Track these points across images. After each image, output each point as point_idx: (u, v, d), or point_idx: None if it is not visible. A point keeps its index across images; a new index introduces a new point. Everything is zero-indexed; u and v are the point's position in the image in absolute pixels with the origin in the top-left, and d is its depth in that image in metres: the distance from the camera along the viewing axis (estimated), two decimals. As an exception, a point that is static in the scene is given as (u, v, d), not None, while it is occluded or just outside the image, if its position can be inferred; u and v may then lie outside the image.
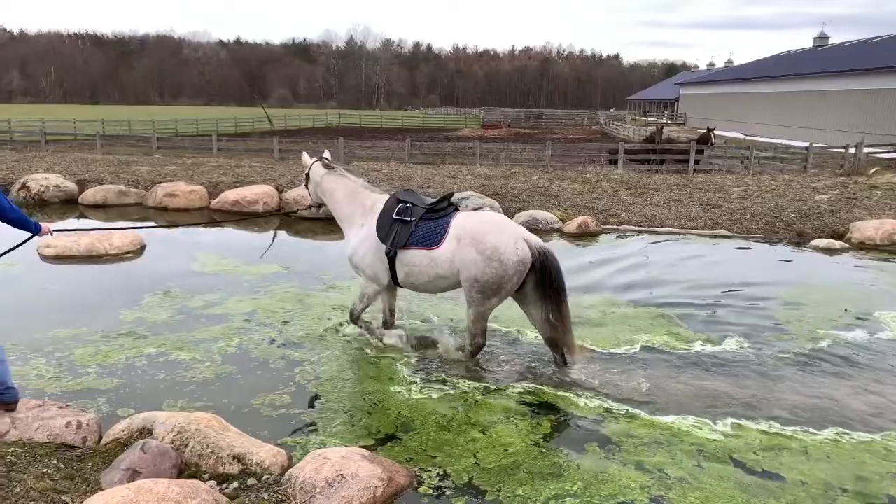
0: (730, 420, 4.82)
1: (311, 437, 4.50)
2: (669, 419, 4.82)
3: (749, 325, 6.94)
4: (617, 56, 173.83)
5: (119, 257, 9.39)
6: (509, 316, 6.82)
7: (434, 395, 5.14)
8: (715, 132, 24.84)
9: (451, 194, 6.20)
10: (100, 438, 4.16)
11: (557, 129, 63.48)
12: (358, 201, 6.22)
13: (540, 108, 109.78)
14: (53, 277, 8.42)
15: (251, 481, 3.70)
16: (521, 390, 5.28)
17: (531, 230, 11.26)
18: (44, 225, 4.75)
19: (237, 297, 7.60)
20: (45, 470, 3.60)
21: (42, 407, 4.30)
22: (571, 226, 11.85)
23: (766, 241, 11.32)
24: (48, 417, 4.13)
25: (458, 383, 5.41)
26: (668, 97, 79.06)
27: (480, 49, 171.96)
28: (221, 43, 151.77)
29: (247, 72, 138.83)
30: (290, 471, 3.76)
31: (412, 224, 5.71)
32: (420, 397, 5.11)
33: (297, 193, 13.65)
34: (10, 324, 6.57)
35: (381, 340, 6.25)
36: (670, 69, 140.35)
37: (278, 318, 6.93)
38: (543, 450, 4.36)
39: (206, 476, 3.75)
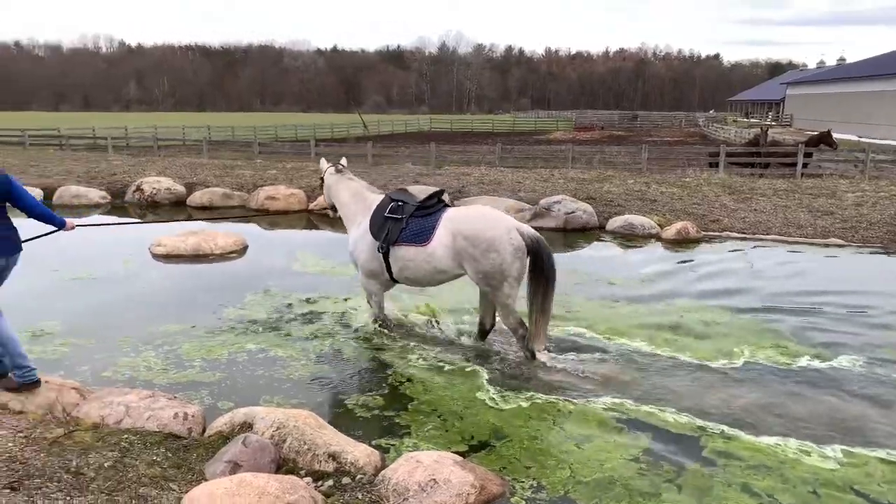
0: (840, 446, 4.43)
1: (404, 439, 4.52)
2: (772, 441, 4.50)
3: (864, 341, 6.44)
4: (717, 56, 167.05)
5: (223, 256, 9.82)
6: (599, 328, 6.65)
7: (524, 405, 5.04)
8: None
9: (442, 191, 6.40)
10: (204, 430, 4.33)
11: (653, 131, 61.68)
12: (360, 201, 6.63)
13: (634, 110, 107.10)
14: (164, 275, 8.89)
15: (345, 480, 3.74)
16: (606, 405, 5.07)
17: (627, 236, 11.06)
18: (67, 220, 5.09)
19: (333, 297, 7.77)
20: (154, 458, 3.77)
21: (153, 398, 4.52)
22: (670, 232, 11.43)
23: (886, 252, 10.52)
24: (158, 408, 4.34)
25: (538, 393, 5.27)
26: (773, 98, 75.30)
27: (573, 51, 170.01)
28: (319, 51, 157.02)
29: (343, 79, 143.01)
30: (383, 472, 3.78)
31: (403, 221, 6.01)
32: (510, 406, 5.02)
33: (390, 197, 13.86)
34: (125, 318, 7.00)
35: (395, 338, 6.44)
36: (775, 68, 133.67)
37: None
38: (641, 466, 4.18)
39: (302, 472, 3.82)
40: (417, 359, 5.96)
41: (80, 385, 4.84)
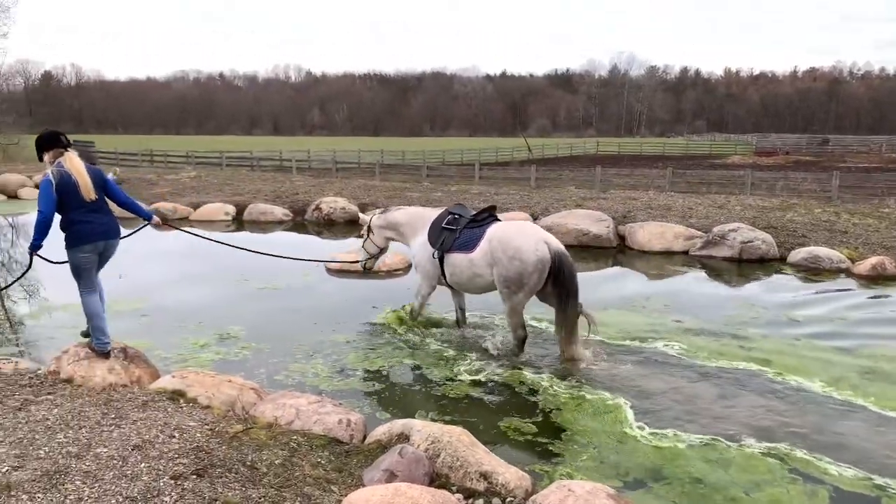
0: None
1: (557, 467, 4.43)
2: None
3: None
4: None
5: (390, 273, 10.29)
6: (774, 365, 6.13)
7: (680, 445, 4.75)
8: None
9: (494, 207, 7.13)
10: (364, 437, 4.53)
11: (847, 156, 56.08)
12: (418, 218, 7.38)
13: (825, 133, 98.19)
14: (336, 288, 9.48)
15: (495, 501, 3.73)
16: (773, 450, 4.66)
17: (812, 269, 10.17)
18: (155, 217, 5.88)
19: (492, 318, 7.83)
20: (318, 460, 4.00)
21: (320, 403, 4.81)
22: (863, 266, 10.32)
23: None
24: (324, 413, 4.61)
25: (692, 434, 4.94)
26: None
27: (756, 71, 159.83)
28: (488, 77, 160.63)
29: (510, 104, 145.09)
30: (533, 497, 3.73)
31: (457, 232, 6.77)
32: (666, 445, 4.75)
33: (550, 221, 13.79)
34: (300, 326, 7.56)
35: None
36: None
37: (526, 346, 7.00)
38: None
39: (453, 488, 3.87)
40: (564, 388, 5.83)
41: (258, 386, 5.27)
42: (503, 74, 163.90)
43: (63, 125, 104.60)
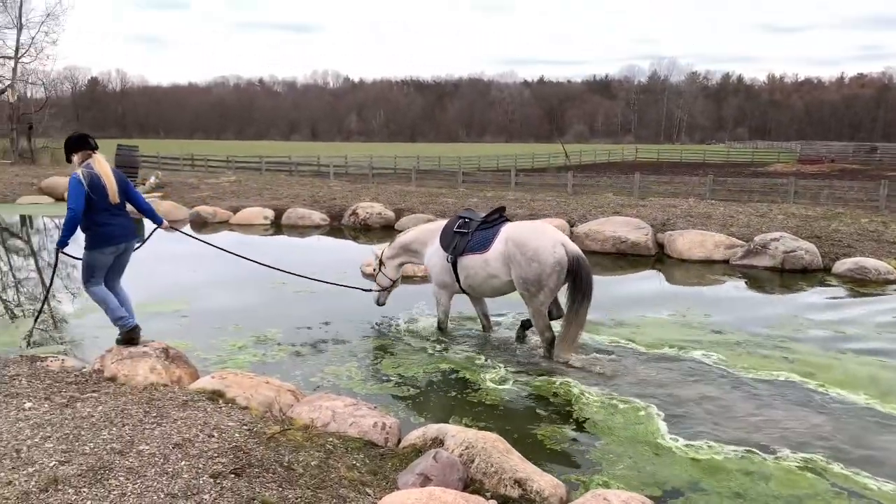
0: None
1: (594, 476, 4.38)
2: None
3: None
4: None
5: (425, 279, 10.29)
6: (818, 378, 5.98)
7: (717, 457, 4.66)
8: None
9: (503, 208, 7.16)
10: (399, 441, 4.54)
11: None
12: (427, 231, 7.57)
13: (873, 141, 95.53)
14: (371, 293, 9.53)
15: (530, 509, 3.71)
16: (810, 464, 4.56)
17: (858, 280, 10.05)
18: (165, 221, 6.09)
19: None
20: (354, 462, 4.03)
21: (356, 406, 4.84)
22: (912, 278, 10.01)
23: None
24: (360, 416, 4.64)
25: (728, 444, 4.85)
26: None
27: (801, 77, 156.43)
28: (526, 83, 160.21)
29: (547, 110, 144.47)
30: (568, 506, 3.69)
31: (469, 235, 6.88)
32: (704, 457, 4.66)
33: (588, 228, 13.69)
34: (335, 330, 7.66)
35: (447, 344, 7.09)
36: None
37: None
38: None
39: (487, 494, 3.85)
40: (596, 396, 5.77)
41: (295, 388, 5.33)
42: (541, 81, 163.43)
43: (108, 129, 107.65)
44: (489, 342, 7.23)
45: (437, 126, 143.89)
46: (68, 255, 5.74)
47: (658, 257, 12.78)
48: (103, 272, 5.64)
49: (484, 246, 6.72)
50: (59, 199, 21.83)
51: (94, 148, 5.61)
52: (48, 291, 7.13)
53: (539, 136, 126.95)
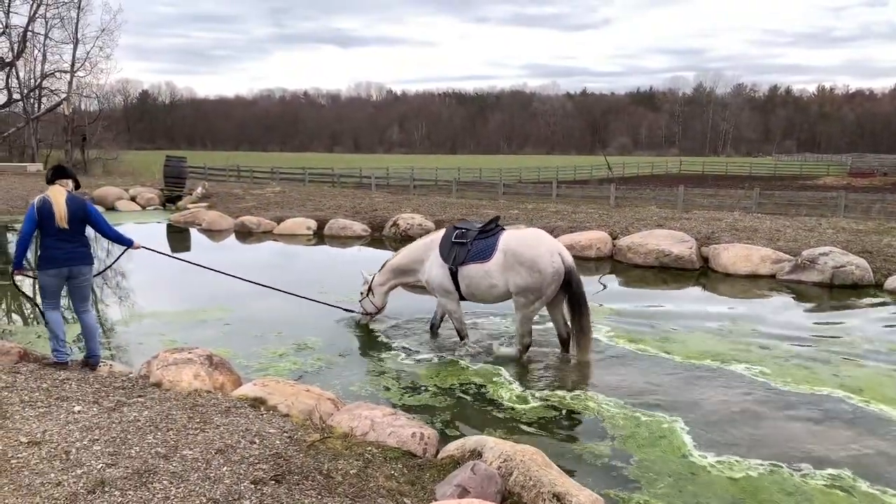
0: None
1: (633, 493, 4.31)
2: None
3: None
4: None
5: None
6: (864, 394, 5.78)
7: (752, 474, 4.57)
8: None
9: (498, 217, 7.43)
10: (437, 452, 4.54)
11: (952, 178, 52.52)
12: (422, 245, 7.68)
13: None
14: (409, 303, 9.54)
15: (569, 525, 3.65)
16: (835, 481, 4.47)
17: None
18: (135, 241, 6.33)
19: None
20: (392, 472, 4.04)
21: (394, 415, 4.86)
22: (971, 295, 9.61)
23: None
24: (398, 425, 4.65)
25: (754, 459, 4.77)
26: None
27: (852, 89, 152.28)
28: (568, 95, 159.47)
29: (590, 122, 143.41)
30: (608, 523, 3.63)
31: (468, 244, 7.01)
32: (738, 475, 4.58)
33: (630, 241, 13.52)
34: (373, 340, 7.76)
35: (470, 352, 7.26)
36: None
37: (595, 367, 6.86)
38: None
39: (526, 509, 3.81)
40: (633, 412, 5.69)
41: (335, 397, 5.38)
42: (583, 93, 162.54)
43: (157, 141, 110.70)
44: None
45: (477, 138, 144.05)
46: (25, 275, 6.13)
47: (702, 271, 12.54)
48: (55, 294, 5.88)
49: (485, 255, 6.88)
50: (109, 208, 22.53)
51: (61, 178, 5.91)
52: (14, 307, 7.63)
53: (581, 148, 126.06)
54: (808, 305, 10.01)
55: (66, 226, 5.71)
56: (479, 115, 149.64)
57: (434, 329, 8.01)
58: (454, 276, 7.11)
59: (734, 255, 12.29)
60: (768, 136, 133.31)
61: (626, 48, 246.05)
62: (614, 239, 14.17)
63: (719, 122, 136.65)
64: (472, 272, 6.98)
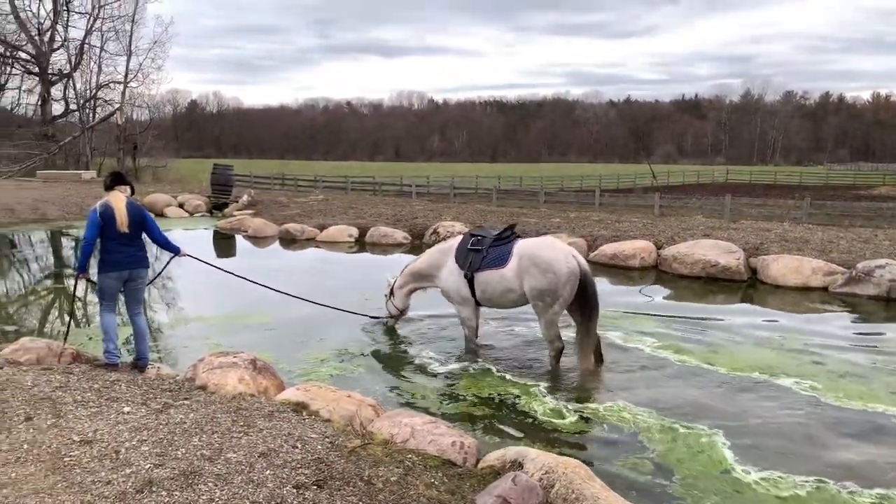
0: None
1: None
2: None
3: None
4: None
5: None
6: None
7: (800, 492, 4.46)
8: None
9: (514, 225, 7.62)
10: (477, 462, 4.50)
11: None
12: (438, 251, 7.84)
13: None
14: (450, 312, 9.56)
15: (612, 539, 3.59)
16: (879, 499, 4.32)
17: None
18: (182, 250, 6.44)
19: (608, 353, 7.61)
20: (432, 480, 4.02)
21: (434, 423, 4.84)
22: None
23: None
24: (439, 434, 4.63)
25: (797, 475, 4.67)
26: None
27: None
28: (611, 103, 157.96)
29: (633, 130, 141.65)
30: (653, 539, 3.54)
31: (483, 251, 7.15)
32: (786, 493, 4.46)
33: (675, 251, 13.27)
34: (417, 348, 7.77)
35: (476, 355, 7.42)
36: None
37: (637, 379, 6.74)
38: None
39: (568, 522, 3.75)
40: (671, 426, 5.57)
41: (376, 403, 5.39)
42: (627, 101, 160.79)
43: (204, 149, 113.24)
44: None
45: (518, 146, 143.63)
46: (87, 279, 6.19)
47: (750, 283, 12.23)
48: (113, 297, 6.04)
49: (501, 262, 7.00)
50: (158, 214, 23.13)
51: (120, 184, 6.08)
52: (71, 312, 7.86)
53: (624, 157, 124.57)
54: (863, 319, 9.67)
55: (126, 230, 5.88)
56: (520, 123, 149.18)
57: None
58: (470, 282, 7.25)
59: (784, 267, 11.96)
60: (819, 144, 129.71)
61: (670, 55, 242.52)
62: (659, 249, 13.93)
63: (768, 130, 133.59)
64: (487, 278, 7.11)
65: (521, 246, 7.01)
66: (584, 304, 6.78)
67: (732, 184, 57.39)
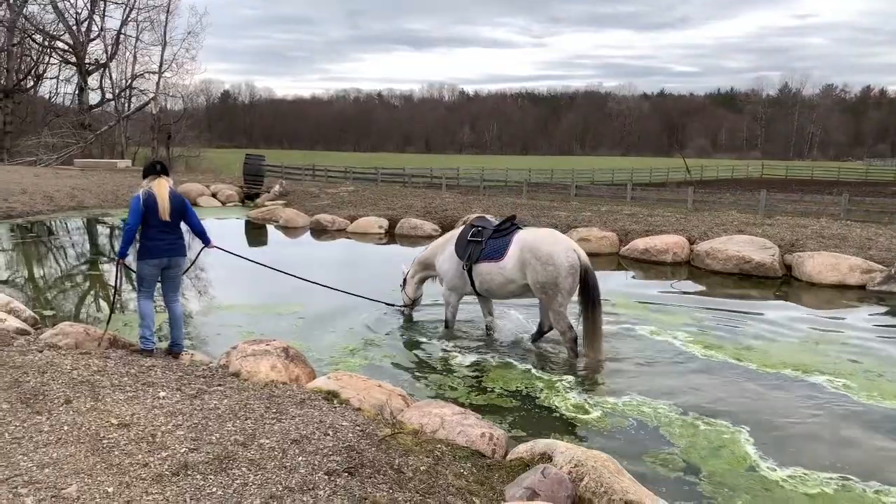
0: None
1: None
2: None
3: None
4: None
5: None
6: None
7: (827, 490, 4.41)
8: None
9: (514, 216, 7.57)
10: (505, 453, 4.51)
11: None
12: (444, 240, 8.00)
13: None
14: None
15: (642, 534, 3.57)
16: None
17: None
18: (212, 242, 6.53)
19: (635, 346, 7.55)
20: (461, 470, 4.04)
21: (463, 414, 4.86)
22: None
23: None
24: (468, 425, 4.65)
25: (822, 472, 4.63)
26: None
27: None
28: (645, 96, 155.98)
29: (667, 123, 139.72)
30: (683, 535, 3.52)
31: (483, 243, 7.24)
32: (813, 490, 4.41)
33: (709, 246, 13.09)
34: (445, 339, 7.79)
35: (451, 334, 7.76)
36: None
37: (665, 374, 6.68)
38: None
39: (597, 516, 3.74)
40: (696, 422, 5.53)
41: (405, 393, 5.43)
42: (661, 94, 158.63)
43: (236, 139, 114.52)
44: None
45: (549, 138, 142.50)
46: (125, 266, 6.30)
47: (785, 280, 12.03)
48: (151, 284, 6.13)
49: (499, 254, 7.08)
50: (191, 203, 23.47)
51: (163, 173, 6.13)
52: (114, 297, 7.98)
53: (657, 150, 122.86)
54: (902, 318, 9.45)
55: (167, 218, 5.97)
56: (551, 115, 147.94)
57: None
58: (469, 273, 7.35)
59: (820, 264, 11.73)
60: (859, 139, 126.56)
61: (705, 47, 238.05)
62: (692, 244, 13.76)
63: (805, 125, 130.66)
64: (485, 270, 7.21)
65: (522, 238, 7.05)
66: (585, 296, 6.85)
67: (768, 179, 56.39)
